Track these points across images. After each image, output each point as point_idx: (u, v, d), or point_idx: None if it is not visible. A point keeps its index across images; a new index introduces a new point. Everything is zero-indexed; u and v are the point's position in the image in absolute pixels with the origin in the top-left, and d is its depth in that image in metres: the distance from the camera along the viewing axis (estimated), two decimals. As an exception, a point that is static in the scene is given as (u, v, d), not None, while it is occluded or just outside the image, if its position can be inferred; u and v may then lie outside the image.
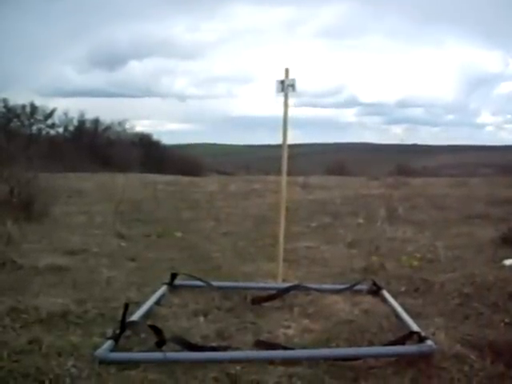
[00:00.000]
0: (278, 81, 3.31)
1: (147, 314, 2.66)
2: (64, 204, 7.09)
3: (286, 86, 3.29)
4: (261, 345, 2.26)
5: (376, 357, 2.16)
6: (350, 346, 2.30)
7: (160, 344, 2.17)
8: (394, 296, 3.02)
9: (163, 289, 3.07)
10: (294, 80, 3.29)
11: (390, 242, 4.88)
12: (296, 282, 3.23)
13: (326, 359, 2.13)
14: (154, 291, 3.01)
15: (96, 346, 2.18)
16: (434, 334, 2.37)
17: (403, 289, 3.28)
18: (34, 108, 37.47)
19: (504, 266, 3.85)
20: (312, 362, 2.12)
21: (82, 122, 40.32)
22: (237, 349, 2.26)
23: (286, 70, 3.30)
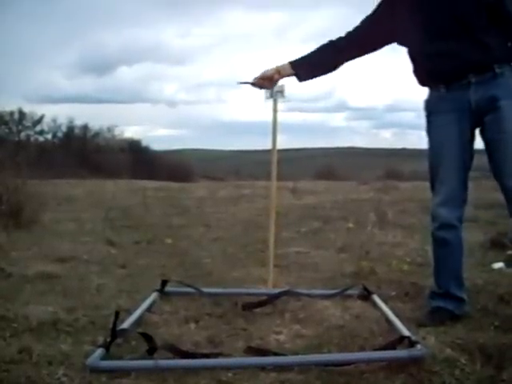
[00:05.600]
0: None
1: (138, 322, 2.65)
2: (53, 211, 7.05)
3: (274, 93, 3.29)
4: (252, 351, 2.25)
5: (367, 362, 2.17)
6: (342, 351, 2.30)
7: (151, 351, 2.16)
8: (385, 300, 3.02)
9: (154, 296, 3.06)
10: (282, 86, 3.29)
11: (380, 246, 4.89)
12: (287, 288, 3.23)
13: (318, 365, 2.13)
14: (144, 298, 2.99)
15: (87, 355, 2.17)
16: (424, 339, 2.38)
17: (393, 293, 3.29)
18: (22, 114, 37.39)
19: (493, 270, 3.88)
20: (303, 367, 2.12)
21: (70, 129, 40.25)
22: (228, 355, 2.25)
23: (275, 76, 3.30)
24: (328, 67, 3.01)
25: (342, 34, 2.93)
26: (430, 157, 2.79)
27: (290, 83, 3.30)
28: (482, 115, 2.61)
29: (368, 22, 2.88)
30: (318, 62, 2.99)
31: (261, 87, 3.13)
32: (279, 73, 3.03)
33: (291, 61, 3.00)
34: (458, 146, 2.68)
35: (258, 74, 3.09)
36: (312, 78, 3.04)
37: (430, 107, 2.78)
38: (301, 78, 3.03)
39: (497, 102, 2.55)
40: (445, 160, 2.71)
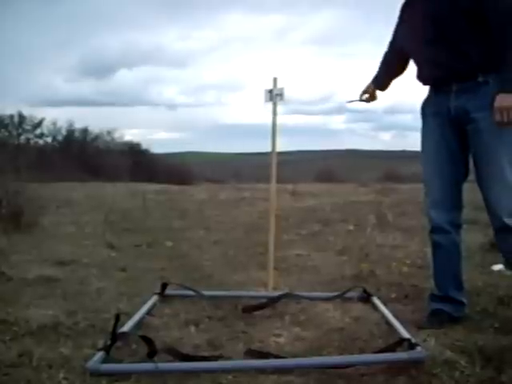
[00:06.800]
0: (266, 90, 3.33)
1: (138, 325, 2.65)
2: (53, 214, 7.06)
3: (274, 95, 3.30)
4: (252, 354, 2.25)
5: (367, 364, 2.17)
6: (342, 354, 2.31)
7: (151, 354, 2.16)
8: (385, 303, 3.03)
9: (154, 299, 3.06)
10: (282, 89, 3.31)
11: (380, 248, 4.90)
12: (286, 291, 3.24)
13: (318, 367, 2.14)
14: (144, 301, 3.00)
15: (87, 358, 2.17)
16: (424, 341, 2.38)
17: (393, 295, 3.29)
18: (22, 118, 37.41)
19: (493, 272, 3.88)
20: (303, 370, 2.12)
21: (70, 132, 40.28)
22: (228, 358, 2.25)
23: (274, 80, 3.32)
24: (395, 73, 3.10)
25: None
26: (421, 160, 2.83)
27: (289, 86, 3.33)
28: (461, 124, 2.62)
29: (394, 31, 2.98)
30: (386, 73, 3.11)
31: (367, 101, 3.22)
32: (370, 87, 3.16)
33: (371, 80, 3.14)
34: (439, 151, 2.70)
35: (360, 91, 3.20)
36: (389, 85, 3.15)
37: (422, 109, 2.84)
38: (382, 89, 3.16)
39: (474, 112, 2.54)
40: (429, 165, 2.76)
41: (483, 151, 2.56)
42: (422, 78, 2.79)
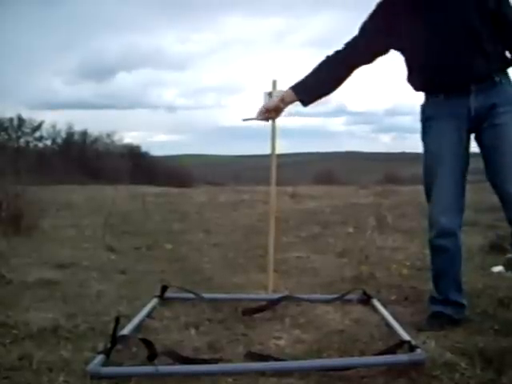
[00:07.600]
0: (265, 93, 3.32)
1: (138, 328, 2.65)
2: (53, 217, 7.06)
3: (273, 98, 3.30)
4: (252, 356, 2.25)
5: (367, 366, 2.17)
6: (342, 356, 2.30)
7: (151, 357, 2.16)
8: (385, 305, 3.02)
9: (154, 302, 3.06)
10: (281, 92, 3.30)
11: (380, 250, 4.90)
12: (286, 293, 3.24)
13: (318, 370, 2.13)
14: (144, 304, 2.99)
15: (87, 361, 2.17)
16: (424, 343, 2.38)
17: (393, 297, 3.29)
18: (21, 121, 37.46)
19: (493, 273, 3.88)
20: (304, 372, 2.12)
21: (70, 135, 40.34)
22: (228, 361, 2.25)
23: (274, 82, 3.31)
24: (330, 85, 2.88)
25: (339, 48, 2.83)
26: (427, 163, 2.75)
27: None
28: (480, 122, 2.60)
29: (365, 32, 2.79)
30: (318, 82, 2.87)
31: (267, 119, 3.11)
32: (283, 101, 2.98)
33: (292, 86, 2.89)
34: (456, 152, 2.66)
35: (258, 108, 3.04)
36: (316, 100, 2.94)
37: (428, 113, 2.74)
38: (305, 103, 2.92)
39: (495, 108, 2.56)
40: (444, 167, 2.66)
41: (500, 144, 2.56)
42: (433, 83, 2.68)
